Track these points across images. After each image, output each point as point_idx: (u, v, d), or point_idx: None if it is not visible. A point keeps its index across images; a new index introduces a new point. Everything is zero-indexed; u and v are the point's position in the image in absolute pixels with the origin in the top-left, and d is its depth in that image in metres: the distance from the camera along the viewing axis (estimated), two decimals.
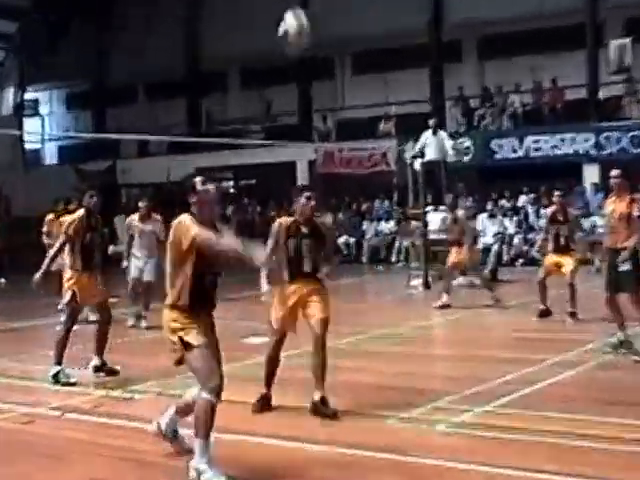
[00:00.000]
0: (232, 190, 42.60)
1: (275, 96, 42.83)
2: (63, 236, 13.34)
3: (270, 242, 10.59)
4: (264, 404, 10.61)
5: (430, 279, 24.63)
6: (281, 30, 11.05)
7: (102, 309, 13.61)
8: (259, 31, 39.97)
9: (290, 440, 9.14)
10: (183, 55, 44.82)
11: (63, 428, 10.13)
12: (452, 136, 34.19)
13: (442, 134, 28.05)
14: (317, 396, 10.27)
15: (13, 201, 45.32)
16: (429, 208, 26.21)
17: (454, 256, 20.92)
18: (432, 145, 27.30)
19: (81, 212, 13.68)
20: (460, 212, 21.81)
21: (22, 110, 52.27)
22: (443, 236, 23.77)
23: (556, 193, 18.37)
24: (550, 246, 18.03)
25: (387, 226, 35.29)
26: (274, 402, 10.62)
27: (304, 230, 10.59)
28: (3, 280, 31.20)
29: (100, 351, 13.29)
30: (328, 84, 42.37)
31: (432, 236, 25.37)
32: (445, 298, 20.28)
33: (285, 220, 10.78)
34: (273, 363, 10.74)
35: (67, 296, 13.05)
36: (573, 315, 17.25)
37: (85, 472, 8.43)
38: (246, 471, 8.17)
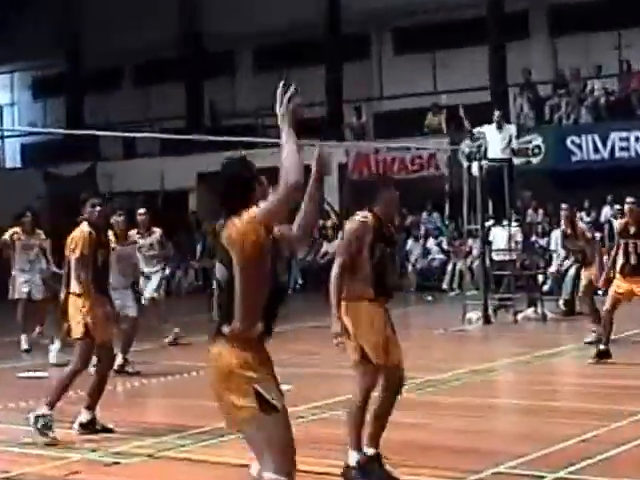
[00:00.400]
0: None
1: (297, 82, 42.66)
2: (77, 256, 13.34)
3: (345, 247, 10.36)
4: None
5: (491, 311, 24.94)
6: None
7: (105, 348, 13.46)
8: (275, 2, 40.85)
9: None
10: (181, 29, 45.07)
11: None
12: (517, 132, 34.77)
13: (510, 128, 27.95)
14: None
15: None
16: (490, 222, 26.36)
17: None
18: (495, 143, 27.04)
19: (84, 227, 13.60)
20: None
21: None
22: (508, 257, 24.09)
23: (628, 200, 18.31)
24: (619, 267, 17.88)
25: (437, 245, 35.46)
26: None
27: (388, 234, 10.47)
28: None
29: (93, 404, 13.13)
30: (363, 66, 42.92)
31: (495, 257, 25.61)
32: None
33: (370, 219, 10.24)
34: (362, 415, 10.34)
35: (79, 330, 13.01)
36: None
37: None
38: None
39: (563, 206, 18.95)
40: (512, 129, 27.97)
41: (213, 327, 7.03)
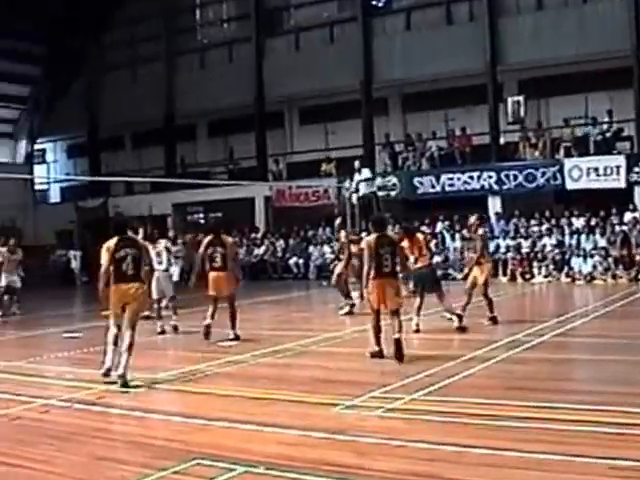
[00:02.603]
0: (202, 221, 42.24)
1: (236, 143, 42.64)
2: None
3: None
4: (379, 355, 12.99)
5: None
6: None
7: None
8: (222, 91, 40.63)
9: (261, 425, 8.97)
10: (161, 110, 44.39)
11: (72, 416, 9.94)
12: (381, 175, 34.50)
13: (365, 172, 28.35)
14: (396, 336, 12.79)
15: (24, 233, 44.82)
16: (364, 234, 25.98)
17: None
18: (363, 182, 27.43)
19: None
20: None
21: (32, 158, 51.93)
22: None
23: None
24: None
25: (329, 249, 34.87)
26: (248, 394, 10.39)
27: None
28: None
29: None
30: (280, 133, 42.12)
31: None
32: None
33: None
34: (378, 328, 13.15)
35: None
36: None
37: (92, 452, 8.22)
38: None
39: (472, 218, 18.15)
40: (366, 172, 28.33)
41: None
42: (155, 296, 17.79)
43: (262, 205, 39.68)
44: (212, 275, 16.49)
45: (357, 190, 27.71)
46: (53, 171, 52.55)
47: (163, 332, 17.70)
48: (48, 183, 52.74)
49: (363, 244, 13.51)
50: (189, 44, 44.54)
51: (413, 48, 36.64)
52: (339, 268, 20.85)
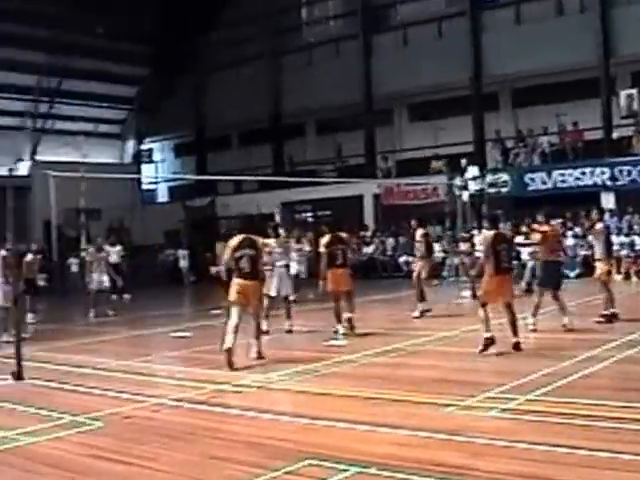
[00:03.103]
0: (310, 220, 42.36)
1: (344, 141, 42.72)
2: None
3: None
4: (491, 342, 13.19)
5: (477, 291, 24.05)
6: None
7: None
8: (330, 89, 40.73)
9: (374, 425, 8.92)
10: (268, 108, 44.97)
11: (184, 416, 10.10)
12: (492, 172, 34.14)
13: (474, 169, 28.05)
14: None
15: (132, 232, 45.69)
16: (475, 231, 25.85)
17: None
18: (473, 180, 27.20)
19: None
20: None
21: (140, 158, 52.99)
22: None
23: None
24: None
25: (439, 247, 34.62)
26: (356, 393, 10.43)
27: None
28: (127, 296, 31.29)
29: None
30: (388, 130, 42.07)
31: (478, 254, 24.95)
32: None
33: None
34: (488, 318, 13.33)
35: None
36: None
37: (203, 451, 8.34)
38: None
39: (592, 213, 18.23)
40: (474, 170, 28.04)
41: None
42: (273, 293, 17.73)
43: (371, 203, 39.71)
44: (334, 272, 16.86)
45: (467, 187, 27.44)
46: (161, 170, 53.38)
47: (266, 332, 17.52)
48: (156, 183, 53.74)
49: (480, 240, 13.78)
50: (295, 42, 44.87)
51: (523, 41, 36.23)
52: (419, 267, 20.30)
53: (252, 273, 13.67)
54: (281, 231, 18.46)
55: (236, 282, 13.61)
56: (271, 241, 17.56)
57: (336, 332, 16.54)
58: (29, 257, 23.67)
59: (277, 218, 18.31)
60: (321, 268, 17.12)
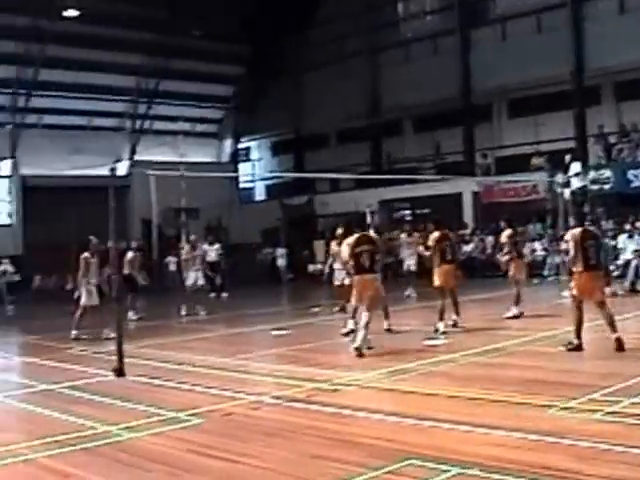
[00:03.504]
0: (409, 218, 42.24)
1: (443, 138, 42.53)
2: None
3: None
4: (578, 349, 13.21)
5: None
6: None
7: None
8: (427, 85, 40.58)
9: (474, 426, 8.87)
10: (366, 106, 44.91)
11: (283, 414, 10.17)
12: (594, 168, 33.54)
13: (577, 166, 27.55)
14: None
15: (230, 230, 46.17)
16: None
17: None
18: (575, 176, 26.80)
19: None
20: None
21: (237, 157, 53.46)
22: None
23: None
24: None
25: (539, 245, 34.21)
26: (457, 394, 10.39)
27: None
28: (225, 294, 31.68)
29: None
30: (487, 127, 41.71)
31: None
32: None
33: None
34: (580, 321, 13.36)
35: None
36: None
37: (303, 449, 8.39)
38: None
39: None
40: (577, 166, 27.55)
41: None
42: None
43: (470, 201, 39.44)
44: (443, 268, 17.22)
45: (569, 184, 27.02)
46: (258, 169, 53.86)
47: (351, 332, 17.29)
48: (253, 181, 54.13)
49: (568, 237, 13.73)
50: (392, 38, 44.70)
51: (627, 32, 35.37)
52: (512, 269, 19.91)
53: (371, 268, 14.73)
54: (371, 232, 18.34)
55: (356, 279, 14.73)
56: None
57: (436, 331, 16.54)
58: (130, 255, 24.12)
59: (369, 218, 18.35)
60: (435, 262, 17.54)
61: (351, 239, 14.88)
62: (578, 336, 13.30)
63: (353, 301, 14.95)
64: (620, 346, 13.03)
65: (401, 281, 27.67)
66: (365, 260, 14.60)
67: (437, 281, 17.20)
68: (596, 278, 13.58)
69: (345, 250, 14.98)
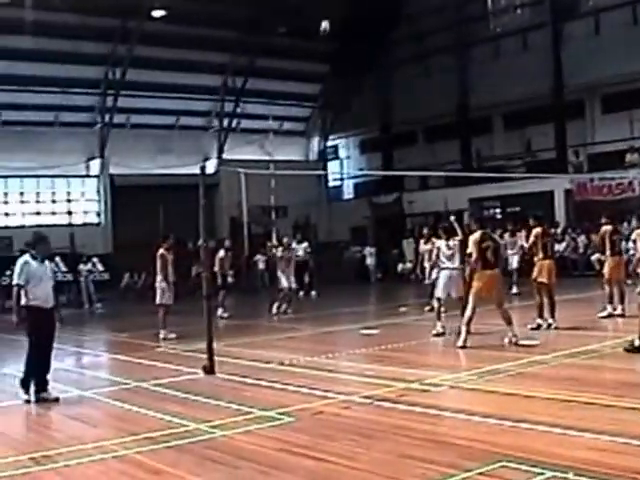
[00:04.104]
0: (499, 216, 41.89)
1: (533, 135, 42.09)
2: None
3: None
4: None
5: None
6: None
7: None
8: (517, 81, 40.12)
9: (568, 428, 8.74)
10: (454, 104, 44.74)
11: (373, 413, 10.23)
12: None
13: None
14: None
15: (318, 229, 46.37)
16: None
17: None
18: None
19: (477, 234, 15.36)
20: None
21: (325, 155, 53.53)
22: None
23: None
24: None
25: (632, 245, 33.59)
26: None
27: None
28: (314, 293, 31.84)
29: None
30: (580, 123, 41.09)
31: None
32: None
33: None
34: None
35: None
36: None
37: (394, 449, 8.38)
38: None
39: None
40: None
41: None
42: (440, 295, 17.57)
43: (562, 199, 38.95)
44: (543, 263, 17.50)
45: None
46: (346, 167, 53.90)
47: (442, 334, 17.30)
48: (341, 179, 54.21)
49: (634, 237, 13.93)
50: (481, 33, 44.26)
51: None
52: (607, 267, 19.33)
53: (496, 263, 15.48)
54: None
55: (481, 273, 15.18)
56: (441, 242, 17.76)
57: (538, 327, 17.09)
58: (221, 253, 24.37)
59: (452, 219, 18.25)
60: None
61: (476, 235, 15.31)
62: None
63: (472, 295, 15.24)
64: None
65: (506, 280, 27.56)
66: (491, 256, 15.17)
67: (539, 276, 17.36)
68: None
69: (471, 246, 15.29)
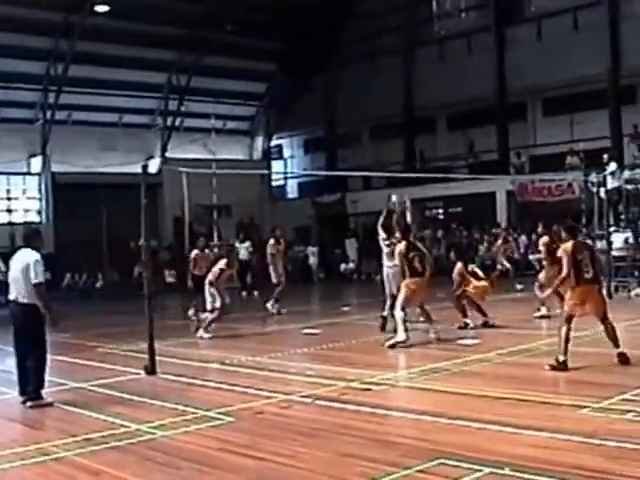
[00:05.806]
0: (441, 217, 42.20)
1: (477, 136, 42.45)
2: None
3: None
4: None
5: (612, 289, 23.42)
6: None
7: None
8: (461, 83, 40.49)
9: (506, 425, 8.87)
10: (400, 104, 44.97)
11: (314, 412, 10.24)
12: (630, 167, 33.28)
13: (612, 165, 27.70)
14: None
15: (262, 228, 46.26)
16: (612, 229, 25.52)
17: None
18: (610, 175, 26.95)
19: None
20: None
21: (269, 154, 53.52)
22: (625, 253, 23.06)
23: None
24: None
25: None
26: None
27: None
28: (256, 292, 31.75)
29: None
30: (522, 125, 41.58)
31: (615, 253, 24.75)
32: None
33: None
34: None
35: None
36: None
37: (335, 448, 8.40)
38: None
39: None
40: (613, 165, 27.72)
41: None
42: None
43: (504, 200, 39.34)
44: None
45: (604, 184, 26.95)
46: (290, 166, 53.93)
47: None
48: (285, 179, 54.22)
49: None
50: (427, 36, 44.59)
51: None
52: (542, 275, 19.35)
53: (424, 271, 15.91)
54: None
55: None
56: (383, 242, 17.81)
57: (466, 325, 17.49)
58: (194, 253, 24.09)
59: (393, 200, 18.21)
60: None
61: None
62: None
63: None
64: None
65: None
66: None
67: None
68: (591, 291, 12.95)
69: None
